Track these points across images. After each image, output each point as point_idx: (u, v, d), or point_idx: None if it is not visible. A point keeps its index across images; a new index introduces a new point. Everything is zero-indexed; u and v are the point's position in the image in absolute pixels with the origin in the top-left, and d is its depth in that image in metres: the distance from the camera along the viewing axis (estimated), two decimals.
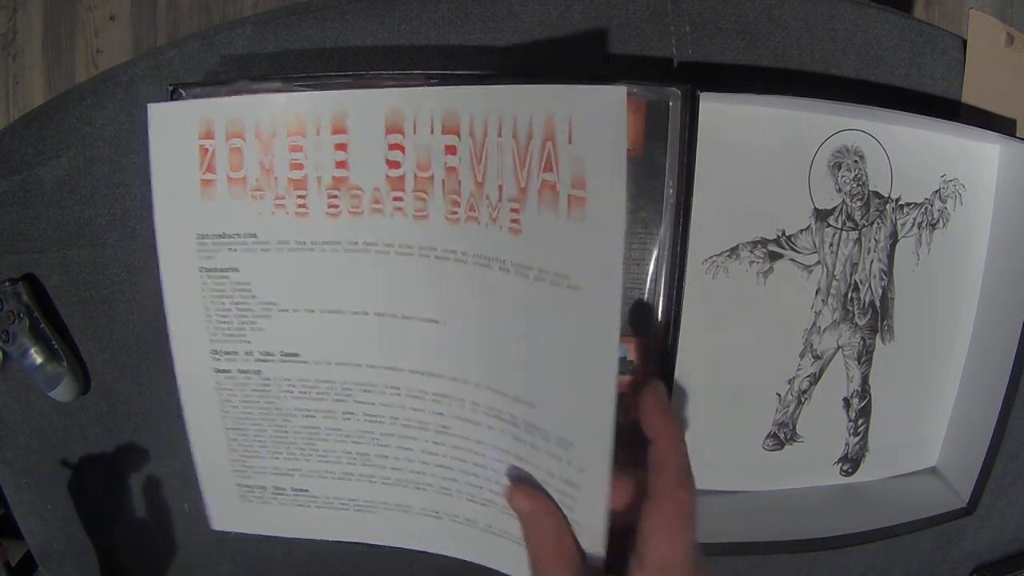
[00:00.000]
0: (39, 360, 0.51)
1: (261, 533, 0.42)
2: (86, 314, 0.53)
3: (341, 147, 0.35)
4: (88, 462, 0.56)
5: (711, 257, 0.47)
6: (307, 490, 0.40)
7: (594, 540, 0.32)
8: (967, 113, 0.52)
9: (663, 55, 0.49)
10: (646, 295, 0.43)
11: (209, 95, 0.41)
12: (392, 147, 0.34)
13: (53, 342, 0.52)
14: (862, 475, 0.52)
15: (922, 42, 0.51)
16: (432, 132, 0.33)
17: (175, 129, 0.37)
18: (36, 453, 0.56)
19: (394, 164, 0.34)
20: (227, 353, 0.38)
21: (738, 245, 0.47)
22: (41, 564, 0.59)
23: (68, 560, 0.58)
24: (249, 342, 0.38)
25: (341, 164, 0.35)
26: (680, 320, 0.42)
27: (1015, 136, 0.50)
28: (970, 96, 0.52)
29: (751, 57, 0.49)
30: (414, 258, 0.34)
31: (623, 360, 0.44)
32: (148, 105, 0.37)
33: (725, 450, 0.50)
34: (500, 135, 0.31)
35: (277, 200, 0.36)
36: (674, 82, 0.40)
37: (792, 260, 0.48)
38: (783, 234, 0.48)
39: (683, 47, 0.49)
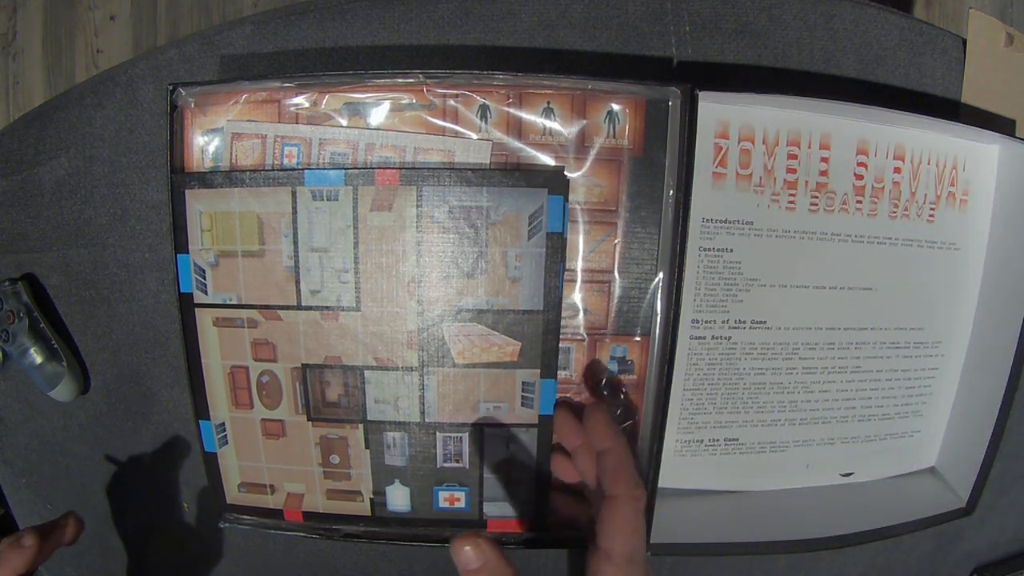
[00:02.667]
0: (39, 360, 0.52)
1: (678, 486, 0.49)
2: (86, 314, 0.53)
3: (824, 160, 0.46)
4: (88, 462, 0.56)
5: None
6: (737, 439, 0.49)
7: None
8: (967, 113, 0.52)
9: (663, 55, 0.49)
10: (648, 295, 0.43)
11: (208, 93, 0.42)
12: (859, 164, 0.46)
13: (53, 342, 0.52)
14: (861, 475, 0.52)
15: (922, 42, 0.51)
16: (887, 157, 0.47)
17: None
18: (36, 453, 0.56)
19: (859, 176, 0.46)
20: (706, 322, 0.46)
21: None
22: (41, 564, 0.59)
23: (68, 560, 0.58)
24: (727, 311, 0.46)
25: (823, 173, 0.46)
26: (679, 319, 0.42)
27: (1015, 136, 0.50)
28: (970, 96, 0.52)
29: (751, 57, 0.49)
30: (863, 244, 0.47)
31: (623, 360, 0.44)
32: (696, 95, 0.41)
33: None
34: (928, 163, 0.48)
35: (773, 196, 0.45)
36: (674, 82, 0.40)
37: None
38: None
39: (683, 47, 0.49)
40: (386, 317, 0.43)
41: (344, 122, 0.42)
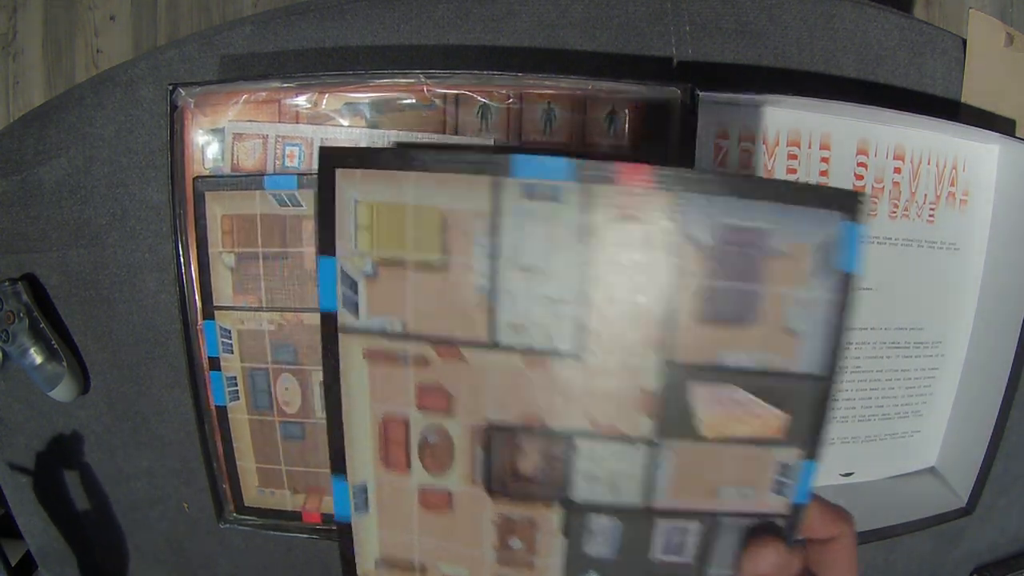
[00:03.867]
0: (39, 360, 0.51)
1: None
2: (86, 314, 0.53)
3: (825, 160, 0.46)
4: (88, 462, 0.56)
5: None
6: None
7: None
8: (967, 113, 0.52)
9: (663, 55, 0.49)
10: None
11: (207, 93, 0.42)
12: (859, 164, 0.47)
13: (53, 342, 0.52)
14: (861, 475, 0.52)
15: (922, 42, 0.51)
16: (887, 157, 0.48)
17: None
18: (36, 453, 0.56)
19: (859, 176, 0.47)
20: None
21: None
22: (41, 564, 0.59)
23: (68, 560, 0.58)
24: None
25: (823, 173, 0.46)
26: None
27: (1015, 136, 0.50)
28: (970, 96, 0.52)
29: (751, 57, 0.49)
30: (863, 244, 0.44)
31: None
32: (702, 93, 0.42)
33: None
34: (928, 163, 0.49)
35: None
36: (674, 82, 0.40)
37: None
38: None
39: (683, 47, 0.49)
40: (617, 369, 0.32)
41: (345, 122, 0.42)
